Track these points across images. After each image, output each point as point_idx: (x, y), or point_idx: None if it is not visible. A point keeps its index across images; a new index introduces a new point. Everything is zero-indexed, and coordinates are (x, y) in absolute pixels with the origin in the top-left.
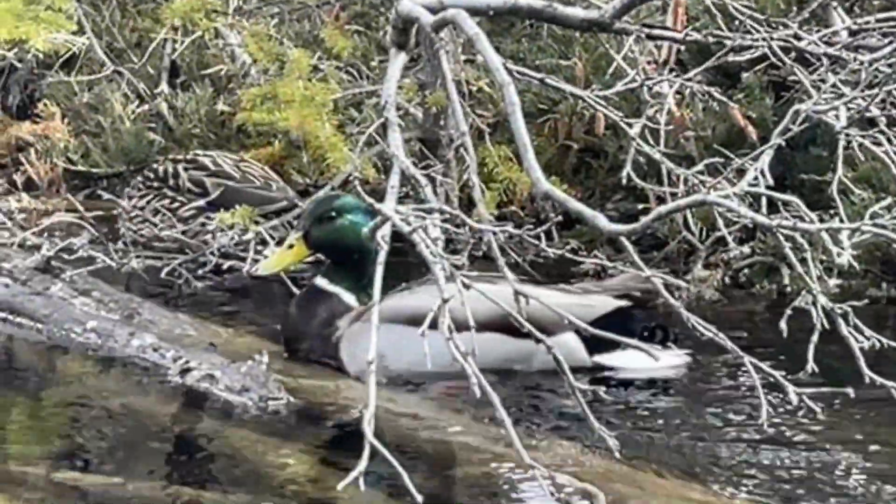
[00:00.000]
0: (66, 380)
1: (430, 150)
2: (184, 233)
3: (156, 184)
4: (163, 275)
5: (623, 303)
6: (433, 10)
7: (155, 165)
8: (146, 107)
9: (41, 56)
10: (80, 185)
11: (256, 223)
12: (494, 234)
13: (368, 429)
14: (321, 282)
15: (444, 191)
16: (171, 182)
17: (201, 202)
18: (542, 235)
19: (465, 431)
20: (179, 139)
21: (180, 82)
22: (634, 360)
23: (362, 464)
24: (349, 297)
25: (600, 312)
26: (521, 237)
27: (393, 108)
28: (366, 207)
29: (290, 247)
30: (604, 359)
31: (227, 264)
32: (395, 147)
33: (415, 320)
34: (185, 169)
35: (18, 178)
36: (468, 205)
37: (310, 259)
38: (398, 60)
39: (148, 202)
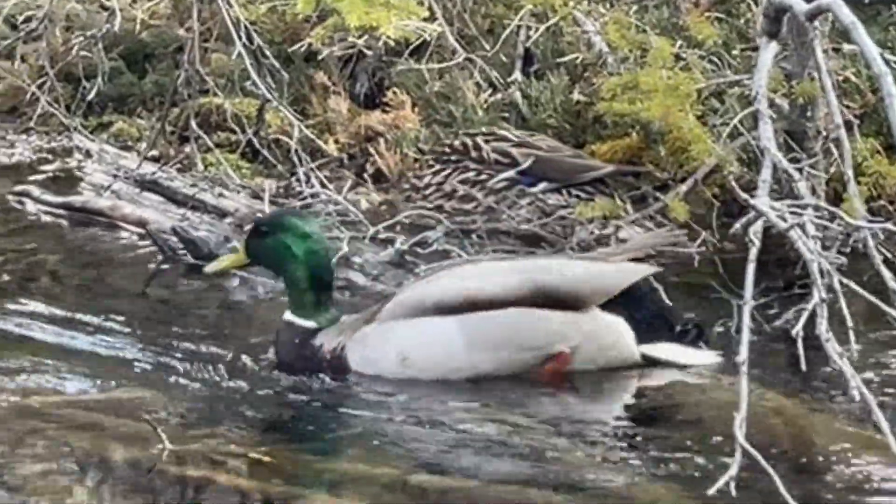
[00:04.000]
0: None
1: (797, 142)
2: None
3: (454, 157)
4: None
5: (653, 268)
6: None
7: (447, 141)
8: (499, 96)
9: (390, 43)
10: None
11: (618, 217)
12: (872, 231)
13: (739, 432)
14: (287, 315)
15: (811, 185)
16: (474, 154)
17: (511, 172)
18: None
19: (833, 432)
20: (534, 129)
21: (534, 70)
22: (681, 354)
23: (734, 468)
24: (309, 323)
25: (632, 280)
26: None
27: (764, 100)
28: (310, 231)
29: (235, 250)
30: (652, 350)
31: None
32: (767, 140)
33: (441, 308)
34: (486, 141)
35: (368, 169)
36: (833, 199)
37: None
38: (769, 50)
39: (446, 177)
